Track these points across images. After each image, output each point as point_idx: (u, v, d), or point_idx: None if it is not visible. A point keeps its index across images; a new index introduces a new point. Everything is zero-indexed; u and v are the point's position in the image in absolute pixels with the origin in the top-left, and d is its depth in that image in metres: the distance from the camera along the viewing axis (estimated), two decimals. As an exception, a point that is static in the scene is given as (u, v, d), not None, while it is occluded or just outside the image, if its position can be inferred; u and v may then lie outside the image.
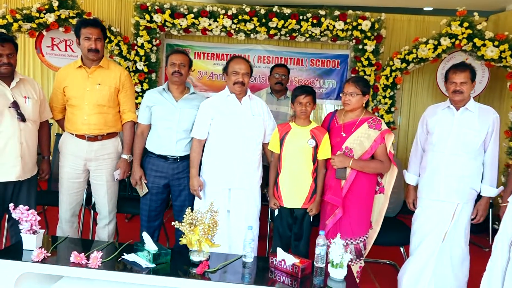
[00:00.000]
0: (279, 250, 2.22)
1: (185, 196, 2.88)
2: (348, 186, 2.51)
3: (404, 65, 4.50)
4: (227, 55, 5.15)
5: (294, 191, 2.65)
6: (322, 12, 4.55)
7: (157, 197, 2.88)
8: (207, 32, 4.70)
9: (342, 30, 4.58)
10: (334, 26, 4.56)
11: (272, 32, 4.62)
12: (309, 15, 4.54)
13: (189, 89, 2.88)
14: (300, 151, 2.62)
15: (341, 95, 2.65)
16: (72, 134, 2.78)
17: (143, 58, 4.70)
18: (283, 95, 3.99)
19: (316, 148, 2.61)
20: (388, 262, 3.40)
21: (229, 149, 2.67)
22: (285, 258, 2.17)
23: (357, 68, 4.66)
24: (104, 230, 2.94)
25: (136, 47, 4.67)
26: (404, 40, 4.98)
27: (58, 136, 3.56)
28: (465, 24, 4.09)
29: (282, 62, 5.06)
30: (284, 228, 2.72)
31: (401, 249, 2.95)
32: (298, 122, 2.67)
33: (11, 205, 2.17)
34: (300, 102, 2.60)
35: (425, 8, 5.90)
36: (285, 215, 2.70)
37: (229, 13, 4.56)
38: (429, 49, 4.29)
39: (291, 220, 2.71)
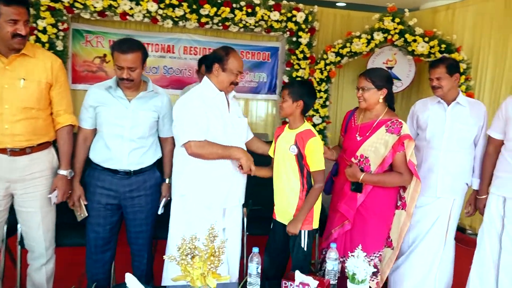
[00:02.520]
0: (297, 273, 1.90)
1: (141, 220, 2.35)
2: (363, 198, 2.22)
3: (338, 58, 4.49)
4: (149, 44, 4.53)
5: (282, 205, 2.29)
6: (256, 1, 4.26)
7: (105, 220, 2.29)
8: (127, 17, 4.04)
9: (277, 21, 4.37)
10: (269, 17, 4.32)
11: (203, 20, 4.17)
12: (242, 3, 4.21)
13: (147, 84, 2.31)
14: (284, 158, 2.24)
15: (355, 91, 2.32)
16: (-15, 149, 2.03)
17: (46, 45, 3.83)
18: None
19: (300, 156, 2.17)
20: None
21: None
22: (304, 281, 1.88)
23: (291, 61, 4.51)
24: (39, 272, 2.23)
25: (36, 32, 3.78)
26: (331, 34, 4.99)
27: None
28: (397, 20, 4.23)
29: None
30: (276, 245, 2.33)
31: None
32: (289, 123, 2.29)
33: None
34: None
35: (338, 4, 6.05)
36: (278, 230, 2.32)
37: (155, -4, 3.98)
38: (362, 43, 4.35)
39: (284, 238, 2.28)
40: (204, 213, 2.21)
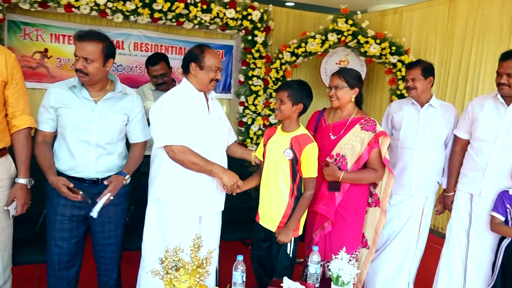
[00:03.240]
0: (285, 280, 1.86)
1: (110, 231, 2.16)
2: (341, 197, 2.20)
3: (293, 58, 4.51)
4: (95, 39, 4.22)
5: (269, 210, 2.22)
6: (211, -3, 4.15)
7: (70, 234, 2.07)
8: (72, 9, 3.72)
9: (232, 19, 4.28)
10: (224, 14, 4.22)
11: (156, 15, 3.97)
12: (197, -1, 4.08)
13: (115, 84, 2.12)
14: (276, 163, 2.15)
15: (327, 90, 2.29)
16: None
17: (-21, 38, 3.43)
18: (172, 87, 3.41)
19: (295, 161, 2.11)
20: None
21: None
22: (291, 287, 1.84)
23: (247, 60, 4.45)
24: (-6, 295, 1.97)
25: (-34, 23, 3.37)
26: (284, 33, 5.02)
27: None
28: (350, 22, 4.33)
29: (162, 51, 4.48)
30: (259, 247, 2.30)
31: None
32: (283, 126, 2.20)
33: None
34: (276, 98, 2.20)
35: (287, 3, 6.10)
36: (261, 235, 2.25)
37: (103, -12, 3.71)
38: (317, 43, 4.41)
39: (266, 243, 2.25)
40: (178, 220, 2.11)
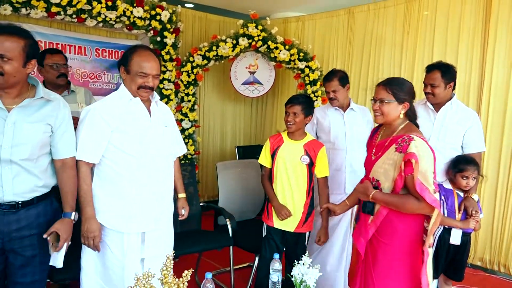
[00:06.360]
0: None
1: (35, 267, 1.80)
2: (375, 226, 1.87)
3: (204, 61, 4.44)
4: (-27, 34, 3.54)
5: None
6: (117, -7, 3.82)
7: None
8: None
9: (140, 18, 4.02)
10: (131, 12, 3.94)
11: (54, 9, 3.51)
12: (102, -6, 3.72)
13: (36, 88, 1.76)
14: (294, 169, 2.37)
15: (371, 102, 1.97)
16: None
17: None
18: (65, 89, 2.92)
19: (311, 165, 2.38)
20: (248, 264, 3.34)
21: (141, 175, 1.92)
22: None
23: (157, 62, 4.22)
24: None
25: None
26: (191, 36, 4.91)
27: None
28: (260, 27, 4.42)
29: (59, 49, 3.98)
30: (272, 250, 2.38)
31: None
32: (291, 135, 2.41)
33: None
34: (286, 111, 2.36)
35: (186, 5, 5.97)
36: (277, 238, 2.45)
37: (-13, -26, 3.15)
38: (229, 47, 4.40)
39: (282, 246, 2.47)
40: (117, 240, 1.92)
